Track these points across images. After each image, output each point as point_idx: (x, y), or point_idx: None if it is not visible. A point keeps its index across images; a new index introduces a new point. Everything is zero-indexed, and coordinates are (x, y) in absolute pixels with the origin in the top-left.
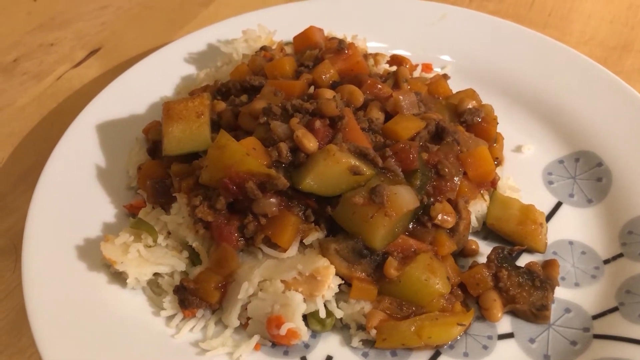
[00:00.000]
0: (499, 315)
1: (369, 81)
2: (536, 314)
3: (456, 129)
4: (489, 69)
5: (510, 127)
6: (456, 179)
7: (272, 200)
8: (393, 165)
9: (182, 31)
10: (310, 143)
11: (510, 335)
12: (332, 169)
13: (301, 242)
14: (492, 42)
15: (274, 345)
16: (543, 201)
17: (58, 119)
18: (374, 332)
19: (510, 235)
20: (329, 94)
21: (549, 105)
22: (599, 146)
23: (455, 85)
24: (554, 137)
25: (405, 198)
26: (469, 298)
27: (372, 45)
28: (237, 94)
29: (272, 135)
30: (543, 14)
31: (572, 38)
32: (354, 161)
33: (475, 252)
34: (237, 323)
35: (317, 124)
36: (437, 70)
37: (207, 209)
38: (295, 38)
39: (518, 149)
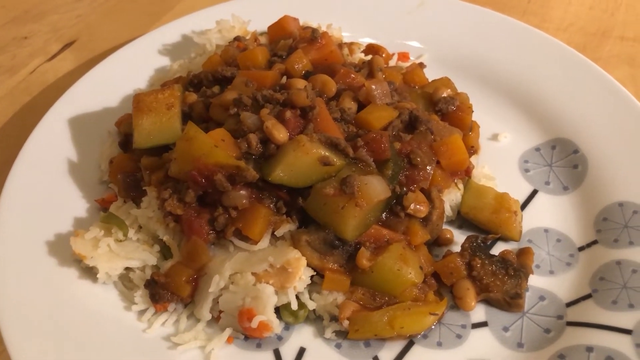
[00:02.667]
0: (473, 304)
1: (342, 71)
2: (510, 302)
3: (430, 118)
4: (467, 57)
5: (486, 115)
6: (429, 168)
7: (242, 192)
8: (364, 155)
9: (159, 23)
10: (280, 134)
11: (484, 324)
12: (302, 160)
13: (273, 234)
14: (469, 30)
15: (246, 338)
16: (519, 189)
17: (31, 113)
18: (346, 323)
19: (484, 224)
20: (300, 84)
21: (526, 93)
22: (575, 133)
23: (432, 74)
24: (530, 125)
25: (376, 188)
26: (443, 287)
27: (348, 35)
28: (209, 85)
29: (242, 126)
30: (522, 0)
31: (551, 25)
32: (324, 151)
33: (449, 242)
34: (209, 316)
35: (288, 114)
36: (414, 59)
37: (177, 202)
38: (269, 28)
39: (494, 137)
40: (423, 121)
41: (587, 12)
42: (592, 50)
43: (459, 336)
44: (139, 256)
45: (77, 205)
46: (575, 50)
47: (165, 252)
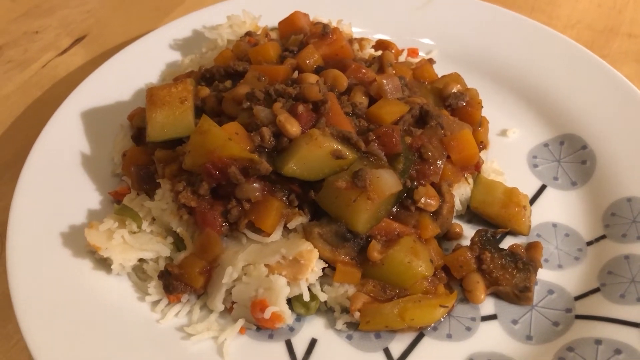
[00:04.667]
0: (482, 297)
1: (353, 66)
2: (519, 295)
3: (440, 113)
4: (475, 54)
5: (495, 111)
6: (439, 162)
7: (255, 185)
8: (376, 149)
9: (168, 18)
10: (292, 127)
11: (493, 317)
12: (314, 154)
13: (285, 226)
14: (478, 26)
15: (258, 329)
16: (527, 184)
17: (43, 107)
18: (357, 314)
19: (494, 218)
20: (312, 78)
21: (534, 89)
22: (583, 129)
23: (441, 70)
24: (539, 121)
25: (387, 182)
26: (453, 280)
27: (358, 31)
28: (221, 80)
29: (255, 120)
30: None
31: (559, 22)
32: (336, 145)
33: (459, 235)
34: (221, 307)
35: (300, 108)
36: (424, 55)
37: (191, 194)
38: (280, 23)
39: (503, 132)
40: (434, 116)
41: (595, 9)
42: (600, 47)
43: (468, 329)
44: (152, 247)
45: (91, 197)
46: (584, 47)
47: (178, 244)
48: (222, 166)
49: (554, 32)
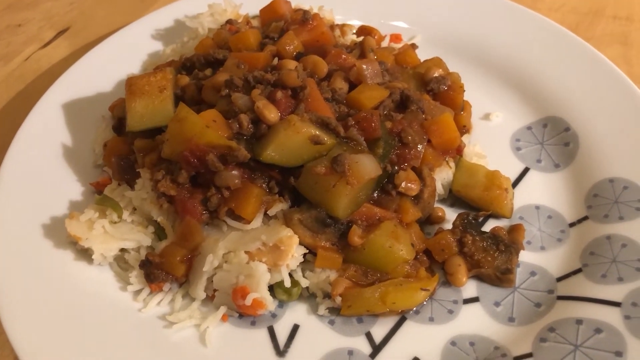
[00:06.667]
0: (464, 279)
1: (333, 52)
2: (501, 277)
3: (421, 97)
4: (459, 38)
5: (479, 94)
6: (420, 146)
7: (234, 172)
8: (355, 135)
9: (152, 8)
10: (271, 114)
11: (475, 300)
12: (292, 139)
13: (265, 213)
14: (462, 10)
15: (241, 316)
16: (511, 167)
17: (26, 100)
18: (339, 299)
19: (476, 201)
20: (291, 64)
21: (518, 72)
22: (566, 111)
23: (424, 55)
24: (522, 104)
25: (366, 166)
26: (435, 264)
27: (340, 18)
28: (201, 68)
29: (234, 107)
30: None
31: (544, 5)
32: (314, 131)
33: (441, 219)
34: (203, 295)
35: (279, 94)
36: (407, 41)
37: (170, 183)
38: (261, 10)
39: (486, 116)
40: (414, 100)
41: None
42: (584, 30)
43: (450, 311)
44: (133, 237)
45: (72, 188)
46: (568, 30)
47: (159, 233)
48: (200, 154)
49: (537, 15)
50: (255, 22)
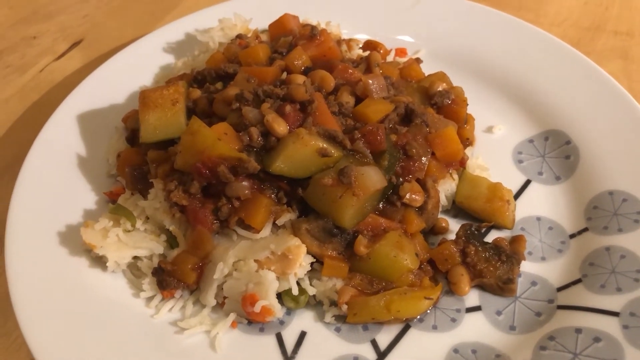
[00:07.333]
0: (467, 289)
1: (340, 66)
2: (502, 287)
3: (425, 111)
4: (463, 53)
5: (481, 108)
6: (424, 159)
7: (245, 183)
8: (361, 147)
9: (163, 22)
10: (280, 127)
11: (477, 308)
12: (301, 152)
13: (274, 223)
14: (466, 26)
15: (250, 322)
16: (513, 179)
17: (41, 111)
18: (345, 307)
19: (478, 212)
20: (299, 79)
21: (520, 86)
22: (568, 125)
23: (429, 69)
24: (524, 118)
25: (372, 178)
26: (439, 274)
27: (346, 32)
28: (212, 82)
29: (244, 120)
30: None
31: (546, 20)
32: (322, 143)
33: (445, 230)
34: (213, 302)
35: (288, 108)
36: (412, 55)
37: (182, 193)
38: (270, 26)
39: (489, 129)
40: (418, 114)
41: (582, 6)
42: (585, 45)
43: (453, 320)
44: (146, 245)
45: (87, 197)
46: (568, 45)
47: (171, 242)
48: (212, 165)
49: (539, 31)
50: (264, 37)
